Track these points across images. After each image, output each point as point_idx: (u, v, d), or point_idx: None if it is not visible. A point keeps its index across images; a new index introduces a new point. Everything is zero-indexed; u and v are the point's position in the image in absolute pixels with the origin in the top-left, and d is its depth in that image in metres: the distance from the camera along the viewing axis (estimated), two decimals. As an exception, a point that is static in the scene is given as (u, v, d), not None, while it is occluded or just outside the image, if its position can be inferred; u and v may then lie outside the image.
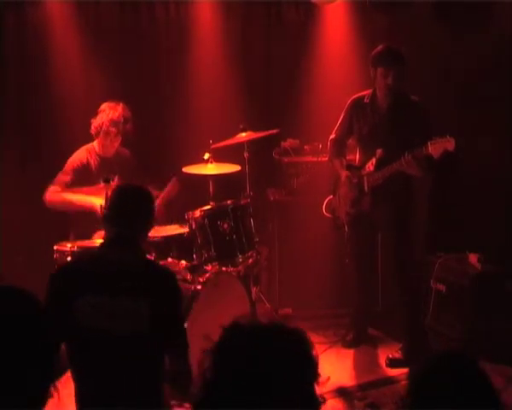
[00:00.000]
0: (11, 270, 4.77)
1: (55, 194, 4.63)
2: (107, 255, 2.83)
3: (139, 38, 5.62)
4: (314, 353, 1.56)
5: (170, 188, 4.87)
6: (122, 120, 4.69)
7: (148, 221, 2.98)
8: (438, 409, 1.58)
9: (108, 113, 4.67)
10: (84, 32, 5.38)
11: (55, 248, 4.27)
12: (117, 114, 4.68)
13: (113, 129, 4.67)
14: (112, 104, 4.72)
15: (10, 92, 5.31)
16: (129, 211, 2.89)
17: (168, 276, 2.90)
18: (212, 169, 4.77)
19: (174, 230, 4.67)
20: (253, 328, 1.54)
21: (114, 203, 2.94)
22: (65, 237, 4.39)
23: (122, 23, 5.56)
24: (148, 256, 4.12)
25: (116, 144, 4.78)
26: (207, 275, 4.23)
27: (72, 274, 2.79)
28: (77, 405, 2.73)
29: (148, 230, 3.02)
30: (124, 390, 2.67)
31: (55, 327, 1.73)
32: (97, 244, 3.15)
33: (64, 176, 4.68)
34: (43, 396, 1.64)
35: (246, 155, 4.88)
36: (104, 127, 4.67)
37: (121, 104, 4.73)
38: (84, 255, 2.96)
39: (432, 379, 1.63)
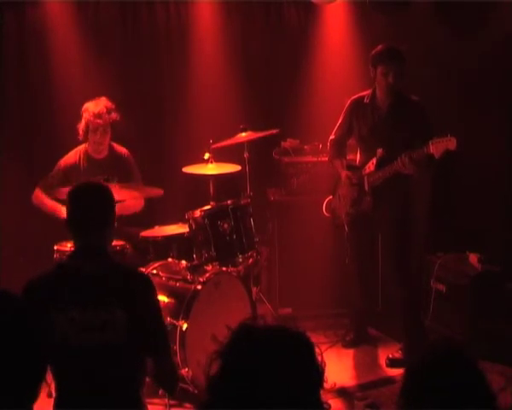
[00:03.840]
0: (11, 270, 4.76)
1: (37, 197, 4.76)
2: (77, 266, 2.71)
3: (139, 38, 5.61)
4: (320, 358, 1.57)
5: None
6: (105, 111, 4.68)
7: (113, 221, 2.83)
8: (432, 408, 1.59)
9: (91, 109, 4.68)
10: (84, 32, 5.37)
11: (55, 248, 4.28)
12: (99, 108, 4.68)
13: (98, 121, 4.66)
14: (93, 101, 4.73)
15: (10, 92, 5.31)
16: (93, 217, 2.73)
17: (139, 278, 2.82)
18: (212, 169, 4.77)
19: (174, 230, 4.67)
20: (261, 331, 1.54)
21: (77, 209, 2.77)
22: (65, 237, 4.39)
23: (122, 23, 5.55)
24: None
25: (107, 139, 4.77)
26: (207, 275, 4.23)
27: (45, 288, 2.69)
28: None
29: (113, 230, 2.85)
30: (103, 399, 2.62)
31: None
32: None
33: (48, 178, 4.77)
34: (32, 396, 1.65)
35: (246, 155, 4.88)
36: (90, 124, 4.67)
37: (103, 98, 4.73)
38: (56, 268, 2.83)
39: (426, 377, 1.64)
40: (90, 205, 2.75)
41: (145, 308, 2.69)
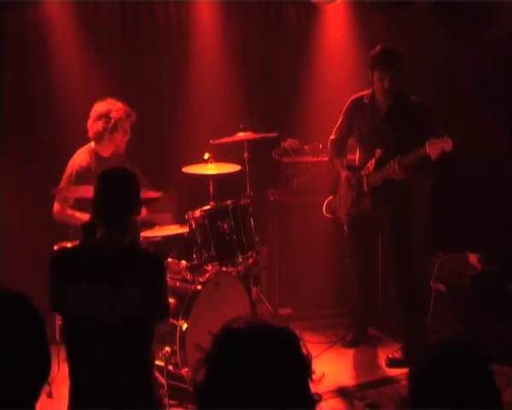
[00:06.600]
0: (11, 270, 4.76)
1: (62, 213, 4.56)
2: (99, 246, 2.87)
3: (139, 38, 5.61)
4: (305, 351, 1.56)
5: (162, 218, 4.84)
6: (130, 110, 4.67)
7: (138, 209, 2.99)
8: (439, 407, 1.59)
9: (117, 107, 4.62)
10: (84, 32, 5.37)
11: (55, 248, 4.27)
12: (125, 107, 4.65)
13: (130, 118, 4.63)
14: (107, 102, 4.64)
15: (10, 92, 5.30)
16: (121, 202, 2.90)
17: (153, 260, 2.99)
18: (212, 169, 4.77)
19: (174, 230, 4.67)
20: (243, 331, 1.54)
21: (107, 192, 2.91)
22: (65, 237, 4.39)
23: (122, 23, 5.55)
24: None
25: (128, 137, 4.72)
26: (207, 275, 4.23)
27: (66, 263, 2.87)
28: (70, 392, 2.81)
29: (135, 217, 3.03)
30: (117, 376, 2.75)
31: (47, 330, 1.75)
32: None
33: (66, 186, 4.57)
34: (36, 395, 1.66)
35: (246, 155, 4.88)
36: (122, 123, 4.60)
37: (109, 99, 4.67)
38: (80, 246, 3.05)
39: (432, 375, 1.64)
40: (120, 190, 2.89)
41: (157, 287, 2.87)
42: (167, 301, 3.05)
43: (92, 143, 4.72)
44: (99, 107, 4.64)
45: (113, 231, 2.86)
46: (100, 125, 4.62)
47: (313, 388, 1.56)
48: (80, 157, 4.69)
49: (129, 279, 2.79)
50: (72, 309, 2.77)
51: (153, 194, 4.53)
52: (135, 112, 4.72)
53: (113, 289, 2.75)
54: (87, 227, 3.09)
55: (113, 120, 4.61)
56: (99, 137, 4.66)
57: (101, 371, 2.75)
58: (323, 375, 4.21)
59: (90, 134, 4.67)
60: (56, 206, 4.59)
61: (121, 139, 4.70)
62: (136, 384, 2.81)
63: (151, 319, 2.86)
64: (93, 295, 2.75)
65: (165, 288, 3.00)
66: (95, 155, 4.71)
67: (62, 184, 4.59)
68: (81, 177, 4.56)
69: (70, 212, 4.55)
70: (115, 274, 2.79)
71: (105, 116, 4.61)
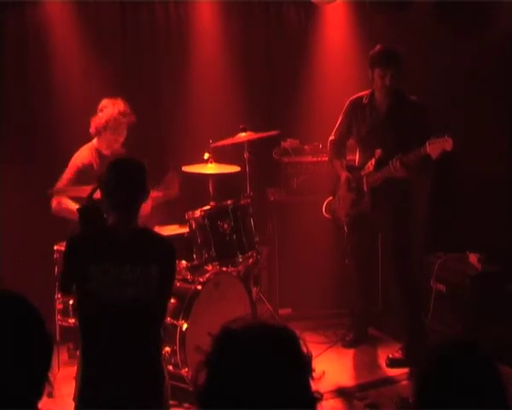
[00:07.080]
0: (11, 270, 4.76)
1: (60, 204, 4.51)
2: (115, 228, 2.98)
3: (139, 37, 5.61)
4: (305, 349, 1.56)
5: (169, 185, 4.80)
6: (128, 111, 4.65)
7: (146, 193, 3.11)
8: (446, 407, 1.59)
9: (114, 106, 4.61)
10: (84, 32, 5.36)
11: (55, 248, 4.27)
12: (122, 106, 4.63)
13: (123, 119, 4.62)
14: (112, 99, 4.66)
15: (10, 92, 5.29)
16: (132, 192, 3.01)
17: (168, 244, 3.11)
18: (212, 169, 4.77)
19: (174, 230, 4.67)
20: (243, 332, 1.54)
21: (118, 179, 3.00)
22: (65, 237, 4.37)
23: (122, 23, 5.55)
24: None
25: (122, 138, 4.71)
26: (208, 275, 4.23)
27: (84, 245, 2.97)
28: (80, 378, 2.92)
29: (142, 205, 3.13)
30: (132, 354, 2.87)
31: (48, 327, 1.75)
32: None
33: (65, 182, 4.56)
34: (37, 395, 1.66)
35: (246, 155, 4.89)
36: (112, 121, 4.59)
37: (119, 99, 4.68)
38: (95, 229, 3.12)
39: (440, 374, 1.64)
40: (132, 179, 3.01)
41: (170, 271, 3.04)
42: (173, 284, 3.18)
43: (94, 141, 4.73)
44: (103, 102, 4.67)
45: (124, 216, 2.99)
46: (94, 121, 4.65)
47: (314, 386, 1.56)
48: (83, 154, 4.70)
49: (148, 257, 2.90)
50: (94, 290, 2.84)
51: (155, 194, 4.51)
52: (134, 112, 4.71)
53: (133, 267, 2.86)
54: (82, 212, 3.20)
55: (104, 119, 4.62)
56: (95, 134, 4.69)
57: (117, 350, 2.85)
58: (324, 373, 4.20)
59: (91, 130, 4.69)
60: (54, 200, 4.55)
61: (115, 140, 4.69)
62: (148, 363, 2.94)
63: (165, 298, 3.02)
64: (115, 275, 2.85)
65: (176, 270, 3.23)
66: (97, 152, 4.71)
67: (62, 181, 4.57)
68: (83, 174, 4.55)
69: (66, 204, 4.50)
70: (134, 253, 2.90)
71: (103, 109, 4.63)
